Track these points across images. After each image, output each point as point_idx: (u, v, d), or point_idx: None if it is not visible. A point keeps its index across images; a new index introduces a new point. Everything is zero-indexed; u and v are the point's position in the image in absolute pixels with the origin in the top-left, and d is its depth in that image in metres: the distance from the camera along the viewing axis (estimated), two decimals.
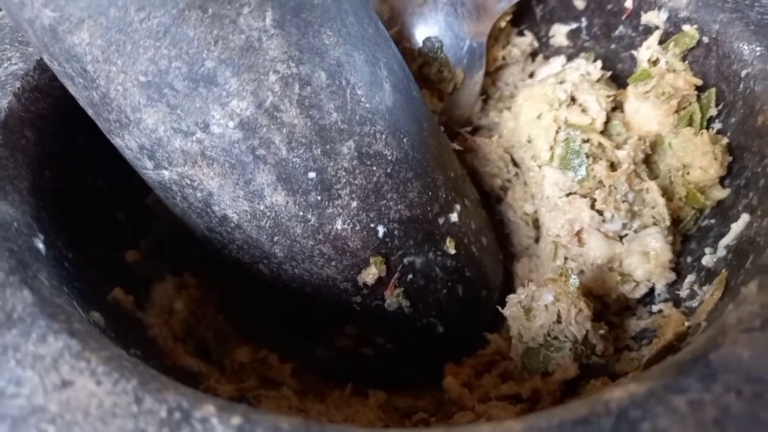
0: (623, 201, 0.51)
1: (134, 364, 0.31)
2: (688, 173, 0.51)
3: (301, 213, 0.42)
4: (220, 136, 0.39)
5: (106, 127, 0.40)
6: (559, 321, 0.46)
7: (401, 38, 0.62)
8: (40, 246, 0.39)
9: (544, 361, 0.46)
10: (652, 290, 0.52)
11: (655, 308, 0.51)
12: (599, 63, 0.59)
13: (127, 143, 0.40)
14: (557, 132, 0.54)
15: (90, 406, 0.29)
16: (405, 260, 0.47)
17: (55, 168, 0.46)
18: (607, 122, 0.54)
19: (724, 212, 0.50)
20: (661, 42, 0.56)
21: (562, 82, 0.56)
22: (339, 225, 0.44)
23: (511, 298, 0.48)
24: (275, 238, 0.44)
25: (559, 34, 0.66)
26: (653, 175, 0.53)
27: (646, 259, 0.51)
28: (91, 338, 0.32)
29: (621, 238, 0.52)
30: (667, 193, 0.52)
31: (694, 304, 0.47)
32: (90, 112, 0.40)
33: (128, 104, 0.37)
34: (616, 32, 0.62)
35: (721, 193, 0.50)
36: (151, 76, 0.36)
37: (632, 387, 0.29)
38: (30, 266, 0.36)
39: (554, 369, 0.46)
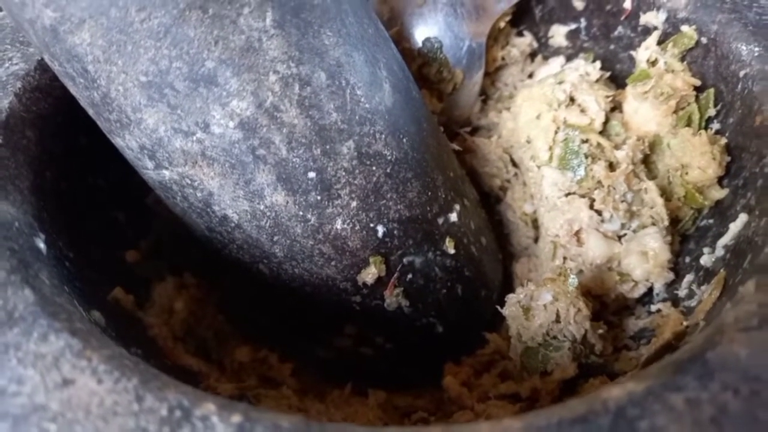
0: (622, 201, 0.51)
1: (135, 363, 0.31)
2: (686, 173, 0.51)
3: (300, 213, 0.43)
4: (220, 136, 0.39)
5: (106, 127, 0.41)
6: (558, 320, 0.46)
7: (401, 38, 0.63)
8: (41, 245, 0.39)
9: (543, 360, 0.46)
10: (650, 290, 0.52)
11: (653, 308, 0.51)
12: (598, 63, 0.59)
13: (127, 143, 0.40)
14: (556, 132, 0.54)
15: (91, 404, 0.29)
16: (404, 260, 0.47)
17: (55, 168, 0.46)
18: (605, 122, 0.54)
19: (722, 212, 0.50)
20: (659, 42, 0.56)
21: (561, 83, 0.56)
22: (339, 225, 0.44)
23: (510, 298, 0.48)
24: (275, 238, 0.44)
25: (558, 34, 0.66)
26: (652, 175, 0.53)
27: (644, 259, 0.51)
28: (92, 337, 0.32)
29: (620, 237, 0.52)
30: (666, 193, 0.52)
31: (692, 303, 0.48)
32: (91, 112, 0.40)
33: (129, 104, 0.37)
34: (615, 33, 0.62)
35: (719, 193, 0.50)
36: (152, 76, 0.36)
37: (630, 385, 0.29)
38: (31, 265, 0.36)
39: (553, 368, 0.46)
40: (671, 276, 0.51)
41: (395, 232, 0.46)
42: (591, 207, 0.52)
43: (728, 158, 0.50)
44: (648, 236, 0.51)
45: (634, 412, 0.28)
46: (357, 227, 0.44)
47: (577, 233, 0.53)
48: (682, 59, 0.54)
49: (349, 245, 0.45)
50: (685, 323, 0.44)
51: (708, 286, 0.46)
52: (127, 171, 0.44)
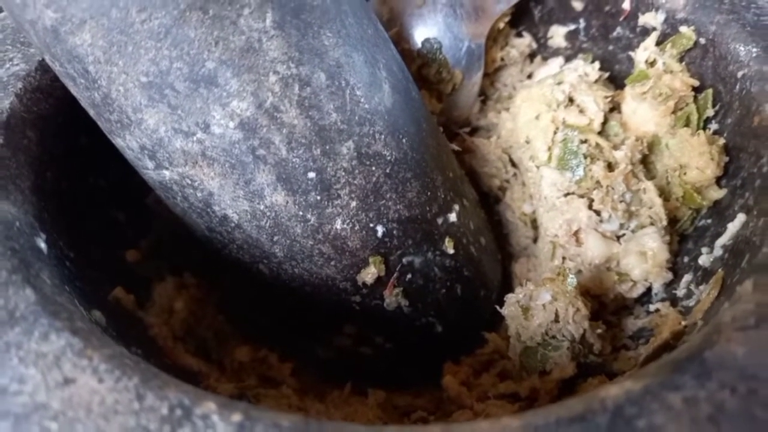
0: (620, 201, 0.52)
1: (135, 362, 0.31)
2: (684, 173, 0.52)
3: (300, 213, 0.43)
4: (220, 136, 0.39)
5: (107, 127, 0.41)
6: (556, 320, 0.46)
7: (400, 39, 0.63)
8: (42, 245, 0.39)
9: (542, 360, 0.46)
10: (649, 290, 0.52)
11: (652, 307, 0.51)
12: (597, 64, 0.59)
13: (128, 143, 0.40)
14: (555, 132, 0.54)
15: (92, 403, 0.29)
16: (404, 260, 0.48)
17: (56, 168, 0.46)
18: (604, 123, 0.55)
19: (720, 212, 0.50)
20: (658, 43, 0.56)
21: (560, 83, 0.56)
22: (338, 225, 0.44)
23: (510, 298, 0.48)
24: (275, 238, 0.44)
25: (558, 35, 0.66)
26: (650, 175, 0.54)
27: (643, 259, 0.51)
28: (93, 336, 0.32)
29: (618, 238, 0.52)
30: (664, 194, 0.53)
31: (690, 303, 0.48)
32: (91, 112, 0.40)
33: (129, 105, 0.38)
34: (614, 33, 0.62)
35: (717, 194, 0.50)
36: (153, 77, 0.36)
37: (628, 384, 0.29)
38: (32, 265, 0.36)
39: (552, 368, 0.46)
40: (670, 276, 0.51)
41: (395, 232, 0.46)
42: (590, 207, 0.52)
43: (726, 158, 0.50)
44: (646, 236, 0.51)
45: (631, 411, 0.28)
46: (356, 227, 0.45)
47: (576, 233, 0.53)
48: (681, 60, 0.54)
49: (348, 245, 0.45)
50: (683, 323, 0.44)
51: (706, 286, 0.46)
52: (127, 171, 0.44)
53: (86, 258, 0.44)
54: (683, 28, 0.54)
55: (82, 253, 0.44)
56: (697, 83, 0.53)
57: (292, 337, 0.54)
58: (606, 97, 0.55)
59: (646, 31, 0.58)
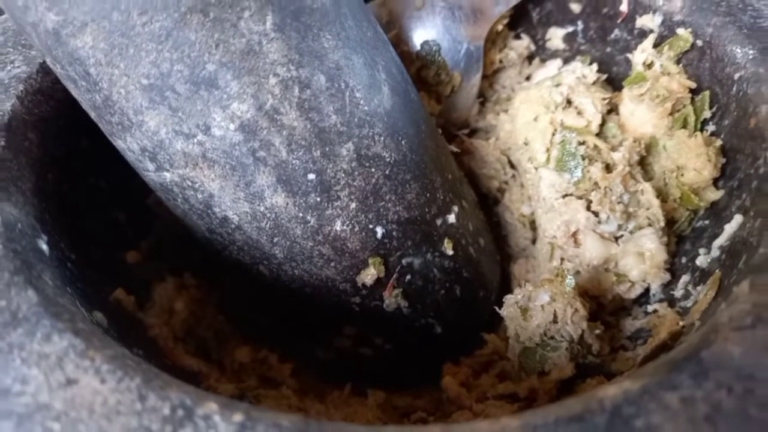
0: (618, 202, 0.52)
1: (137, 363, 0.31)
2: (682, 175, 0.52)
3: (300, 214, 0.43)
4: (221, 138, 0.39)
5: (108, 129, 0.41)
6: (555, 321, 0.46)
7: (399, 41, 0.63)
8: (44, 247, 0.40)
9: (541, 360, 0.47)
10: (647, 290, 0.53)
11: (650, 308, 0.51)
12: (595, 66, 0.60)
13: (129, 145, 0.41)
14: (553, 134, 0.55)
15: (94, 403, 0.29)
16: (403, 261, 0.48)
17: (57, 170, 0.46)
18: (602, 124, 0.55)
19: (717, 213, 0.50)
20: (655, 45, 0.56)
21: (558, 85, 0.57)
22: (338, 226, 0.44)
23: (508, 299, 0.49)
24: (275, 239, 0.44)
25: (556, 37, 0.66)
26: (648, 176, 0.54)
27: (641, 260, 0.51)
28: (95, 337, 0.32)
29: (616, 239, 0.53)
30: (662, 195, 0.53)
31: (688, 303, 0.48)
32: (92, 114, 0.41)
33: (130, 107, 0.38)
34: (612, 35, 0.62)
35: (714, 195, 0.51)
36: (153, 79, 0.36)
37: (626, 384, 0.29)
38: (34, 267, 0.36)
39: (551, 368, 0.46)
40: (667, 277, 0.52)
41: (394, 233, 0.46)
42: (588, 208, 0.52)
43: (723, 160, 0.50)
44: (644, 237, 0.51)
45: (629, 411, 0.28)
46: (356, 228, 0.45)
47: (574, 234, 0.53)
48: (678, 62, 0.54)
49: (348, 246, 0.45)
50: (681, 323, 0.45)
51: (704, 287, 0.46)
52: (128, 173, 0.45)
53: (87, 259, 0.44)
54: (680, 31, 0.54)
55: (83, 254, 0.44)
56: (694, 85, 0.53)
57: (292, 338, 0.54)
58: (604, 99, 0.55)
59: (643, 33, 0.58)
